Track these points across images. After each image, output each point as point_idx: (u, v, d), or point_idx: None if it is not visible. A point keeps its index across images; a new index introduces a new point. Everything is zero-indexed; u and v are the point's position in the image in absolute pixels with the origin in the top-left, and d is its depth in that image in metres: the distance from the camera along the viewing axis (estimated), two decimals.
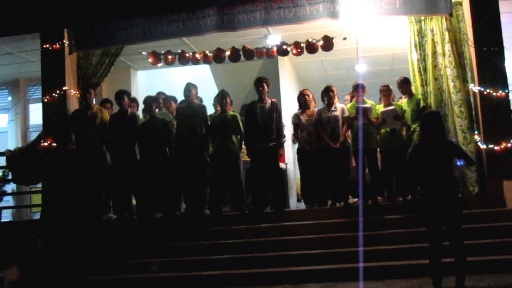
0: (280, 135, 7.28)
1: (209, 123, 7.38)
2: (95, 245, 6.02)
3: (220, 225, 6.87)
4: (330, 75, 11.91)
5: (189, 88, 7.38)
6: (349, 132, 7.44)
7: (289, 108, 9.77)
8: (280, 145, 7.39)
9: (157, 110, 7.63)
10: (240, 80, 9.94)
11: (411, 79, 7.47)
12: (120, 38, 7.74)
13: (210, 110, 7.75)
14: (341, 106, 7.43)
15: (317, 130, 7.32)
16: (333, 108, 7.33)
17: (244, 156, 7.66)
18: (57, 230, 4.63)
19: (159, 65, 8.63)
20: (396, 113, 7.17)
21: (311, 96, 7.60)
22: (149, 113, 7.36)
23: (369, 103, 7.35)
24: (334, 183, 7.20)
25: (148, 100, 7.40)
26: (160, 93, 8.01)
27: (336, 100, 7.52)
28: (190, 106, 7.39)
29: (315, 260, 5.96)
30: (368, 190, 7.08)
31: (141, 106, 8.24)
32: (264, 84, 7.21)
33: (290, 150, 9.61)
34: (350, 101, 7.90)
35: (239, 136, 7.29)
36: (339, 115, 7.28)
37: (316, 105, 7.84)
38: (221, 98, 7.34)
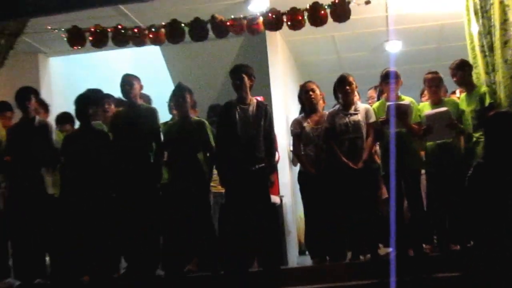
0: (272, 153, 7.29)
1: (162, 135, 7.42)
2: None
3: None
4: (346, 60, 12.02)
5: (129, 82, 7.39)
6: (377, 146, 7.45)
7: (284, 112, 9.83)
8: (272, 168, 7.38)
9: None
10: (208, 70, 10.04)
11: (471, 63, 7.50)
12: (23, 9, 7.73)
13: (164, 117, 7.81)
14: (364, 107, 7.43)
15: (328, 144, 7.34)
16: (352, 110, 7.34)
17: (217, 186, 7.66)
18: None
19: (82, 47, 8.64)
20: (449, 116, 7.18)
21: (318, 92, 7.63)
22: (82, 120, 7.43)
23: (406, 100, 7.35)
24: (355, 225, 7.20)
25: (82, 101, 7.44)
26: (91, 91, 8.00)
27: (356, 97, 7.53)
28: (132, 110, 7.40)
29: None
30: (408, 234, 7.11)
31: (57, 111, 8.35)
32: (245, 76, 7.20)
33: (287, 175, 9.63)
34: (378, 99, 7.93)
35: (208, 155, 7.33)
36: (361, 120, 7.30)
37: (325, 106, 7.85)
38: (177, 96, 7.39)
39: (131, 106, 7.43)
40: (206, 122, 7.46)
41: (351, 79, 7.40)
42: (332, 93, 7.65)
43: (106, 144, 7.40)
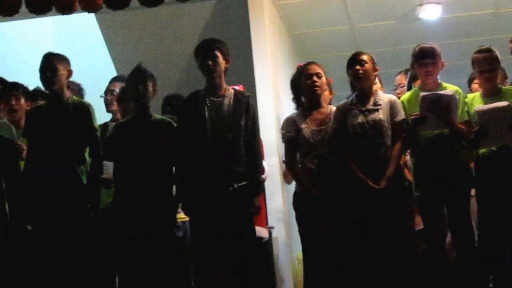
0: (256, 166, 7.31)
1: (105, 141, 7.53)
2: None
3: None
4: (363, 32, 12.10)
5: (51, 66, 7.32)
6: (407, 156, 7.58)
7: (274, 107, 9.83)
8: (257, 187, 7.40)
9: None
10: (165, 47, 10.11)
11: None
12: None
13: (101, 115, 7.82)
14: (389, 99, 7.41)
15: (336, 153, 7.35)
16: (370, 104, 7.33)
17: (179, 214, 7.65)
18: None
19: None
20: (510, 113, 7.08)
21: (323, 80, 7.60)
22: None
23: (449, 89, 7.32)
24: (376, 269, 7.17)
25: None
26: None
27: (377, 85, 7.62)
28: (56, 106, 7.41)
29: None
30: (453, 281, 7.15)
31: None
32: (218, 54, 7.21)
33: (278, 199, 9.59)
34: (408, 88, 7.96)
35: (175, 170, 7.38)
36: (384, 118, 7.28)
37: (333, 98, 7.97)
38: (136, 84, 7.34)
39: (55, 101, 7.42)
40: (174, 123, 7.44)
41: (365, 57, 7.37)
42: (349, 80, 7.66)
43: (10, 154, 7.41)
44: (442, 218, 7.25)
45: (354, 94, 7.46)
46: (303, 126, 7.51)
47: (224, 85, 7.28)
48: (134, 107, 7.44)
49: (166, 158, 7.29)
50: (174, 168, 7.34)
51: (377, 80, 7.61)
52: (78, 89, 8.03)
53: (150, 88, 7.34)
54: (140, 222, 7.17)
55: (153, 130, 7.34)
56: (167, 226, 7.28)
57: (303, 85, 7.63)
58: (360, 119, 7.30)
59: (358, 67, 7.30)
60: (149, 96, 7.36)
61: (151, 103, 7.60)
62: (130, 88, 7.45)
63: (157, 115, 7.53)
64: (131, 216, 7.22)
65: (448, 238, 7.37)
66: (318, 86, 7.52)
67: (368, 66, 7.33)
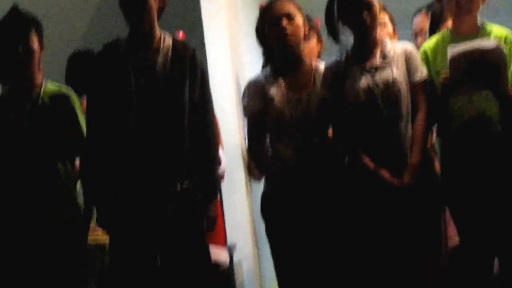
0: (210, 156, 6.42)
1: None
2: None
3: None
4: None
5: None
6: (434, 134, 6.73)
7: (231, 65, 9.23)
8: (211, 188, 6.50)
9: None
10: None
11: None
12: None
13: None
14: (403, 49, 6.49)
15: (334, 135, 6.54)
16: (377, 59, 6.35)
17: (98, 235, 7.12)
18: None
19: None
20: None
21: (297, 21, 6.65)
22: None
23: (495, 33, 6.40)
24: None
25: None
26: None
27: (386, 30, 7.12)
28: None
29: None
30: None
31: None
32: None
33: (241, 203, 9.13)
34: (430, 32, 7.23)
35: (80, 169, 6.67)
36: (398, 78, 6.30)
37: (322, 49, 7.57)
38: (12, 37, 6.49)
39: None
40: (73, 96, 6.60)
41: None
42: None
43: None
44: (486, 230, 6.32)
45: (349, 47, 6.59)
46: (273, 92, 6.59)
47: (158, 33, 6.30)
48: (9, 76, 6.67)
49: (64, 151, 6.45)
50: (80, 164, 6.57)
51: (387, 20, 7.10)
52: None
53: (35, 45, 6.42)
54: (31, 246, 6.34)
55: (41, 110, 6.47)
56: (70, 245, 6.41)
57: (269, 35, 6.74)
58: (364, 81, 6.27)
59: (365, 13, 6.37)
60: (36, 58, 6.46)
61: (47, 64, 6.94)
62: (3, 47, 6.62)
63: (50, 85, 6.59)
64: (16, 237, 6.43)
65: (496, 265, 6.54)
66: (289, 35, 6.58)
67: (376, 9, 6.41)
